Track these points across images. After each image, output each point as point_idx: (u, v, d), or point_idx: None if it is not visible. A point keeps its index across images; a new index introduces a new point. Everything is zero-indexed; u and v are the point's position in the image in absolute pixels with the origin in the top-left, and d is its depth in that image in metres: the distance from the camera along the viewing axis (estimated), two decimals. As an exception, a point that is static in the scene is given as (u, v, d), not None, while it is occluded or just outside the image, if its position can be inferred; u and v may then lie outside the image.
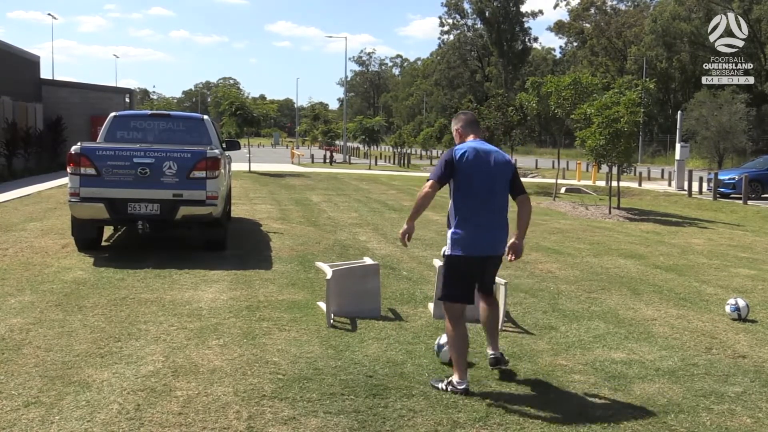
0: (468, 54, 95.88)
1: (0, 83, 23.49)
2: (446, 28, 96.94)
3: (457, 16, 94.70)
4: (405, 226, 4.80)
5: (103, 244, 9.71)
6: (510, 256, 4.88)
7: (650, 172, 34.84)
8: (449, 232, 4.76)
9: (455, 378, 4.59)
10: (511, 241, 4.87)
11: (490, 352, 4.97)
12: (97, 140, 9.92)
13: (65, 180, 9.32)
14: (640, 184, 28.03)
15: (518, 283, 8.07)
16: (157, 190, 8.47)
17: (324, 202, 17.04)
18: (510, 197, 4.86)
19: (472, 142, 4.83)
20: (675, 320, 6.71)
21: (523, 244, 4.90)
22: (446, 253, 4.77)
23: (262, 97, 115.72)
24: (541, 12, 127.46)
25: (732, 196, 22.67)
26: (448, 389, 4.56)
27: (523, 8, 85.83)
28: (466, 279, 4.76)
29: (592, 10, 79.98)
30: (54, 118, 27.44)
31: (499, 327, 5.16)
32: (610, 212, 17.01)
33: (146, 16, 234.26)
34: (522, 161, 44.79)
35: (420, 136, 52.29)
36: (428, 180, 4.68)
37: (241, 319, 6.12)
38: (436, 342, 5.26)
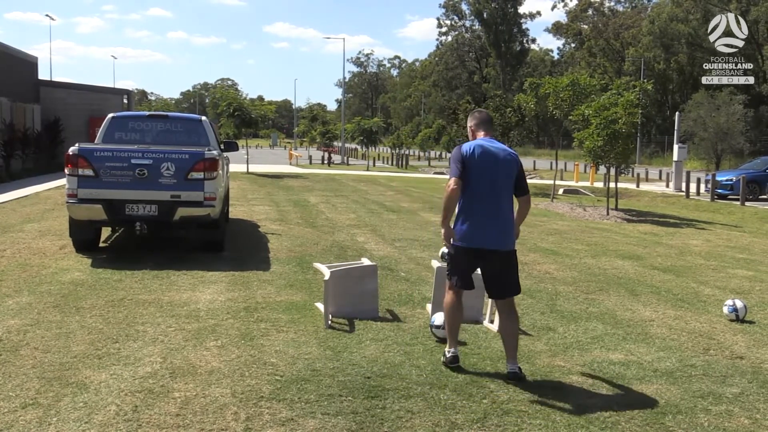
0: (466, 55, 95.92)
1: (-2, 84, 23.49)
2: (444, 30, 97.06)
3: (455, 18, 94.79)
4: (444, 230, 4.95)
5: (101, 245, 9.71)
6: None
7: (648, 174, 34.87)
8: (453, 225, 4.96)
9: (447, 347, 5.07)
10: None
11: (508, 366, 4.91)
12: (95, 141, 9.92)
13: (63, 181, 9.31)
14: (638, 186, 28.06)
15: (516, 284, 8.06)
16: (155, 191, 8.47)
17: (322, 203, 17.04)
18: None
19: (481, 139, 4.99)
20: (673, 321, 6.72)
21: (516, 233, 5.11)
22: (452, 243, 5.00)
23: (260, 98, 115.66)
24: (539, 13, 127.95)
25: (730, 197, 22.70)
26: (442, 359, 5.05)
27: (521, 9, 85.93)
28: (465, 268, 5.01)
29: (590, 12, 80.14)
30: (52, 119, 27.41)
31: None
32: (608, 213, 17.02)
33: (144, 17, 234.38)
34: (520, 162, 44.78)
35: (418, 137, 52.28)
36: (450, 179, 4.85)
37: (239, 320, 6.11)
38: (433, 323, 5.74)
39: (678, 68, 60.82)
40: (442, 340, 5.48)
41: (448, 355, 4.99)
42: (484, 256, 4.92)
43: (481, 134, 5.04)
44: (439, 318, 5.66)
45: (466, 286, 5.06)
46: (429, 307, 6.57)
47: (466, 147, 4.90)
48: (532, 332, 6.14)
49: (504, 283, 5.02)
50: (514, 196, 5.00)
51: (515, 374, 4.82)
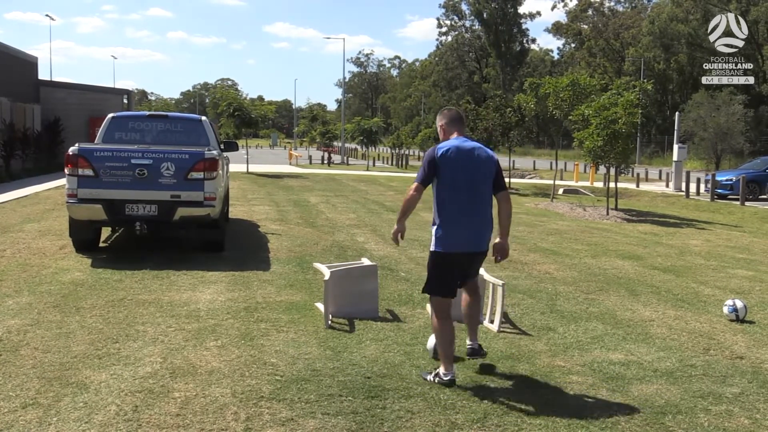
0: (466, 55, 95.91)
1: (-2, 84, 23.48)
2: (444, 30, 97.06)
3: (455, 18, 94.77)
4: (396, 227, 4.94)
5: (101, 245, 9.70)
6: (496, 255, 4.97)
7: (648, 174, 34.87)
8: (433, 229, 4.86)
9: (441, 370, 4.75)
10: (495, 240, 4.96)
11: (468, 342, 5.14)
12: (95, 141, 9.92)
13: (63, 181, 9.31)
14: (637, 185, 28.06)
15: (516, 284, 8.07)
16: (155, 191, 8.47)
17: (322, 203, 17.04)
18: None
19: (455, 139, 4.90)
20: (673, 321, 6.71)
21: (507, 243, 4.97)
22: (431, 249, 4.88)
23: (260, 98, 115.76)
24: (539, 13, 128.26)
25: (729, 197, 22.70)
26: (436, 380, 4.73)
27: (521, 9, 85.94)
28: (451, 274, 4.89)
29: (590, 12, 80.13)
30: (52, 119, 27.42)
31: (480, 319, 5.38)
32: (607, 213, 17.02)
33: (144, 17, 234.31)
34: (520, 162, 44.83)
35: (418, 137, 52.19)
36: (413, 183, 4.80)
37: (239, 320, 6.11)
38: (428, 346, 5.35)
39: (678, 68, 60.82)
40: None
41: (445, 378, 4.68)
42: (471, 258, 4.93)
43: (454, 134, 4.96)
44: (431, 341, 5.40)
45: (452, 293, 4.94)
46: (429, 307, 6.56)
47: (442, 148, 4.79)
48: (532, 332, 6.14)
49: (476, 275, 5.20)
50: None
51: (477, 350, 5.12)
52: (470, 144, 4.89)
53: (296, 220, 13.38)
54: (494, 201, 4.95)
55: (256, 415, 4.09)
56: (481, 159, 4.84)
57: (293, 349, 5.30)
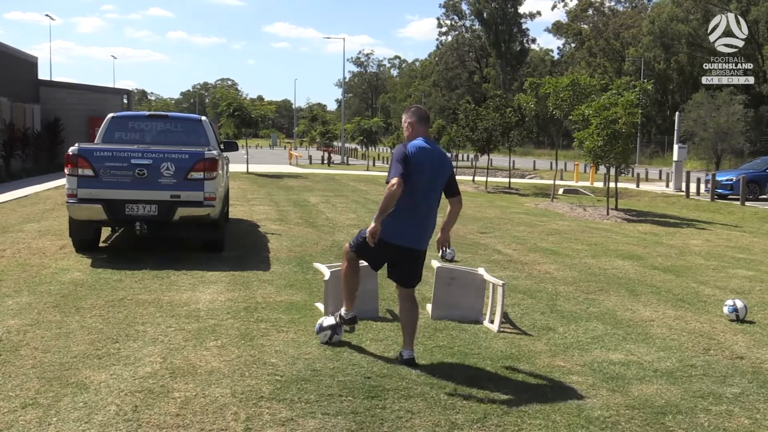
0: (466, 55, 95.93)
1: (-2, 84, 23.47)
2: (444, 30, 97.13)
3: (455, 18, 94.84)
4: (373, 225, 4.83)
5: (101, 245, 9.70)
6: (440, 247, 5.23)
7: (648, 174, 34.87)
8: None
9: (343, 310, 5.25)
10: (437, 236, 5.16)
11: (405, 352, 5.09)
12: (95, 141, 9.92)
13: (63, 181, 9.31)
14: (638, 185, 28.06)
15: (516, 284, 8.07)
16: (155, 191, 8.46)
17: (322, 203, 17.04)
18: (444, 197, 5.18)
19: (422, 140, 5.02)
20: (673, 321, 6.71)
21: (449, 235, 5.22)
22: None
23: (260, 98, 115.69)
24: (539, 13, 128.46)
25: (730, 197, 22.70)
26: (338, 320, 5.28)
27: (521, 9, 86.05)
28: (380, 257, 5.13)
29: (590, 12, 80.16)
30: (52, 119, 27.41)
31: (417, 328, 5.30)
32: (608, 213, 17.02)
33: (144, 17, 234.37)
34: (520, 162, 44.85)
35: (418, 137, 52.22)
36: (391, 179, 4.76)
37: (239, 320, 6.11)
38: (318, 323, 5.54)
39: (678, 68, 60.86)
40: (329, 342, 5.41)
41: (347, 317, 5.20)
42: (403, 252, 5.00)
43: (421, 131, 5.06)
44: (327, 321, 5.48)
45: (375, 267, 5.35)
46: (429, 307, 6.56)
47: (411, 147, 4.92)
48: (532, 332, 6.14)
49: (414, 274, 5.17)
50: (445, 198, 5.15)
51: (413, 360, 5.03)
52: (434, 147, 5.02)
53: (296, 220, 13.39)
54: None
55: (256, 415, 4.09)
56: (443, 164, 5.03)
57: (293, 349, 5.30)
